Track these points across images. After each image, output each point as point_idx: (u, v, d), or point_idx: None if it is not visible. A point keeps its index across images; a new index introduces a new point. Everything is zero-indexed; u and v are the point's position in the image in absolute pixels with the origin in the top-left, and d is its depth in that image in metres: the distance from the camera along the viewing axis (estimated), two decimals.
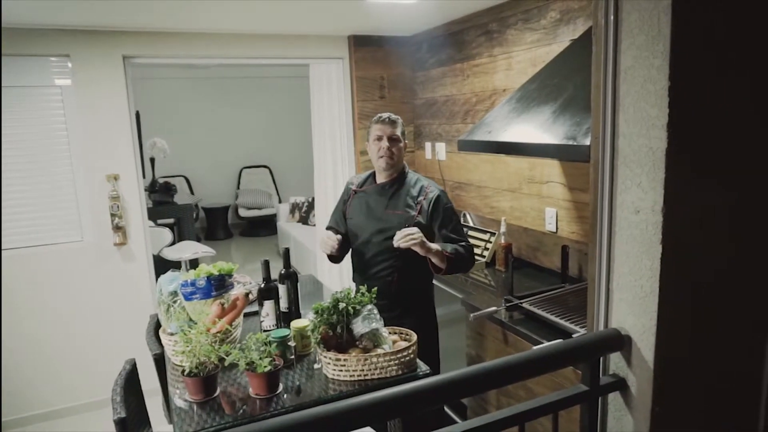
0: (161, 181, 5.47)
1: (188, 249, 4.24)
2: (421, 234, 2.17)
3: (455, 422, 1.33)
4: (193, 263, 4.48)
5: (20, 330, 3.24)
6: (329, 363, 1.81)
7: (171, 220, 5.39)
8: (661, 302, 1.17)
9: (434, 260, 2.25)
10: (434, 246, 2.22)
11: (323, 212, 4.36)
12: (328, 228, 2.57)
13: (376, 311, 1.85)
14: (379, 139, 2.35)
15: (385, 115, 2.40)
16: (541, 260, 3.00)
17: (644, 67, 1.13)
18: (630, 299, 1.24)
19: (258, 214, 8.24)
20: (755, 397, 1.30)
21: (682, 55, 1.08)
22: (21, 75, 3.11)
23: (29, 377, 3.30)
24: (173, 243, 4.40)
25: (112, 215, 3.32)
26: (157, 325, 2.25)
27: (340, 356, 1.78)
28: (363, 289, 1.88)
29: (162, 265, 3.90)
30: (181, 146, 6.98)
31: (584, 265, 2.69)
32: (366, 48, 3.92)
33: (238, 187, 8.48)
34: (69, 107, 3.23)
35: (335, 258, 2.46)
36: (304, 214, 7.02)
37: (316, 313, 1.81)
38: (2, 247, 3.17)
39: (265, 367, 1.66)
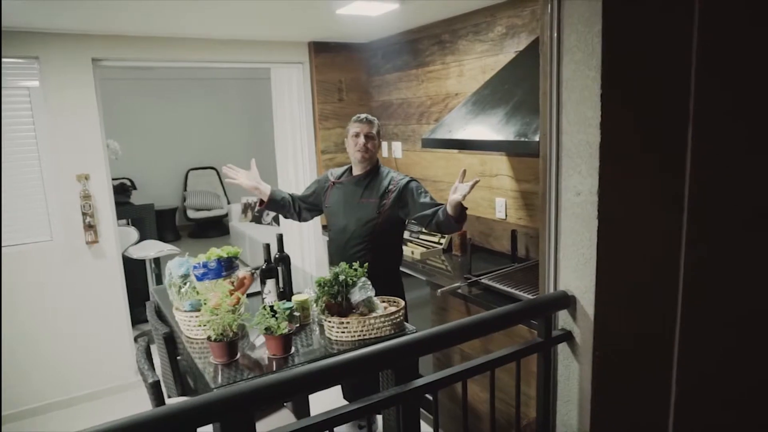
0: (116, 183, 5.43)
1: (152, 248, 4.30)
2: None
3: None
4: (156, 262, 4.54)
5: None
6: (333, 326, 2.05)
7: (124, 221, 5.36)
8: (599, 267, 1.40)
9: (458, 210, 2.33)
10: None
11: None
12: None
13: (369, 282, 2.08)
14: (357, 135, 2.59)
15: (363, 115, 2.64)
16: (493, 245, 3.30)
17: (582, 78, 1.37)
18: (574, 266, 1.47)
19: (207, 215, 8.13)
20: (671, 336, 1.60)
21: (612, 69, 1.32)
22: None
23: (8, 375, 3.28)
24: (138, 242, 4.44)
25: (84, 214, 3.34)
26: (157, 309, 2.40)
27: (344, 320, 2.03)
28: (356, 264, 2.10)
29: (127, 264, 3.94)
30: (126, 147, 6.85)
31: (531, 246, 3.00)
32: (325, 53, 4.10)
33: (185, 189, 8.33)
34: (37, 108, 3.22)
35: (266, 205, 2.71)
36: (257, 213, 7.08)
37: (319, 285, 2.03)
38: None
39: (282, 330, 1.88)
